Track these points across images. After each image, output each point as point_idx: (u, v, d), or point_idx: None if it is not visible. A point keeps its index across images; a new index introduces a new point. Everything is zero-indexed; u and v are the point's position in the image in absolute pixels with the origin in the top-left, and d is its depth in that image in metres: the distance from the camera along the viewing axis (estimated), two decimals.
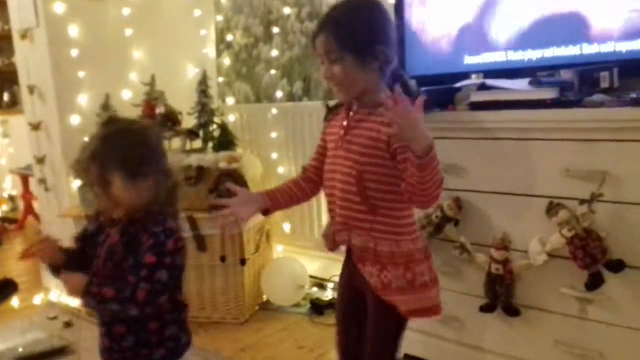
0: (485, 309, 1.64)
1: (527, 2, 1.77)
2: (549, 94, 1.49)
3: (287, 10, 2.70)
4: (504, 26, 1.82)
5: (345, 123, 1.30)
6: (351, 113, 1.30)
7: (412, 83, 1.34)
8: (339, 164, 1.29)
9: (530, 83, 1.53)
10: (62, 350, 2.19)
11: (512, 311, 1.60)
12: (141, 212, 1.20)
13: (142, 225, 1.19)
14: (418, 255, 1.26)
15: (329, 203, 1.34)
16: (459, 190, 1.67)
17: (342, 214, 1.28)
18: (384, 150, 1.21)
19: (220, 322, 2.42)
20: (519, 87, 1.57)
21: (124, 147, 1.19)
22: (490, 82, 1.64)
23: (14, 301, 2.60)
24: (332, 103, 1.40)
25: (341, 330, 1.41)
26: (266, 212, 1.36)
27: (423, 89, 1.67)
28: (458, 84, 1.72)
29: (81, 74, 2.65)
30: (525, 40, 1.78)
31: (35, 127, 2.72)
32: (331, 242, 1.33)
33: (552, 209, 1.48)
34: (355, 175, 1.24)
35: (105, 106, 2.64)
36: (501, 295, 1.59)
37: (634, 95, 1.39)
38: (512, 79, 1.64)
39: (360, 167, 1.24)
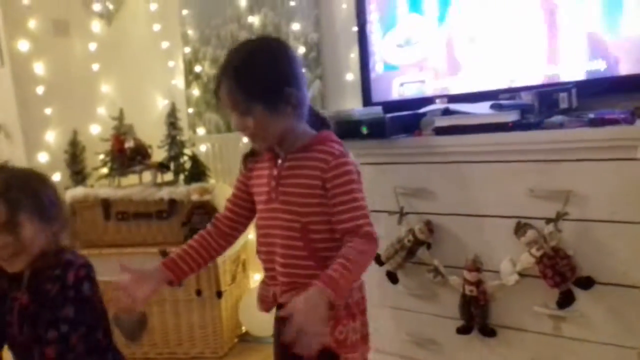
0: (462, 330, 1.64)
1: (487, 27, 1.82)
2: (510, 117, 1.52)
3: None
4: (466, 51, 1.87)
5: (275, 173, 1.18)
6: (279, 161, 1.19)
7: (332, 121, 1.27)
8: (276, 218, 1.16)
9: (491, 107, 1.56)
10: None
11: (488, 332, 1.60)
12: (41, 259, 1.18)
13: (44, 274, 1.17)
14: (364, 305, 1.20)
15: (266, 262, 1.21)
16: (430, 214, 1.68)
17: (286, 273, 1.16)
18: (322, 195, 1.12)
19: (199, 356, 2.38)
20: (482, 110, 1.59)
21: (35, 191, 1.18)
22: (453, 106, 1.67)
23: None
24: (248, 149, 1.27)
25: None
26: (171, 283, 1.21)
27: (389, 115, 1.70)
28: (423, 110, 1.75)
29: (48, 110, 2.62)
30: (487, 63, 1.82)
31: None
32: (270, 303, 1.21)
33: (520, 229, 1.49)
34: (299, 228, 1.13)
35: (74, 143, 2.61)
36: (476, 316, 1.60)
37: (591, 115, 1.43)
38: (475, 103, 1.68)
39: (303, 218, 1.13)
